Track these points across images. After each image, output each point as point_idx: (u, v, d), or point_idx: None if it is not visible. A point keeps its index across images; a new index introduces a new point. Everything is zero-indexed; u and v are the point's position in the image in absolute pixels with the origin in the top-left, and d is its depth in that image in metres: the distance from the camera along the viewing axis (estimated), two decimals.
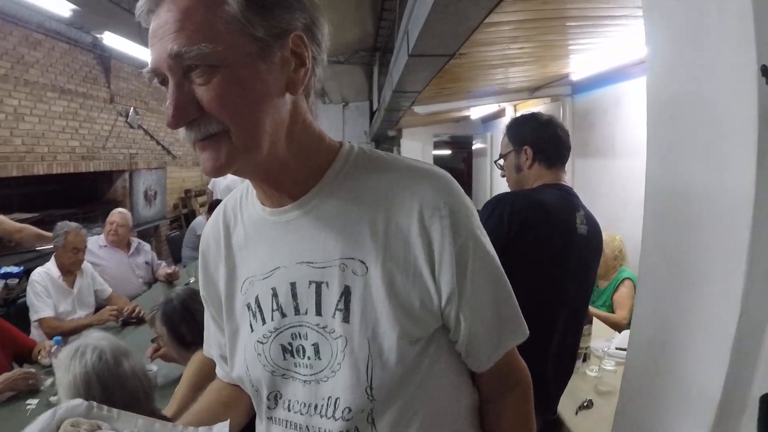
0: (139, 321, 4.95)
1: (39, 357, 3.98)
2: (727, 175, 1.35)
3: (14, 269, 5.10)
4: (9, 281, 5.02)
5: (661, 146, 1.66)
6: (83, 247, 5.08)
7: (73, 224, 5.07)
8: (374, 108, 16.00)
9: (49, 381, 3.44)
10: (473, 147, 13.91)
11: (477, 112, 10.37)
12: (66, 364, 1.97)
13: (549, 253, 2.53)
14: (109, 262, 6.11)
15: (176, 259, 8.80)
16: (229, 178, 9.73)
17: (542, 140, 2.76)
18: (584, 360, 3.69)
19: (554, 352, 2.64)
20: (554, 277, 2.58)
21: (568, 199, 2.71)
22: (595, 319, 4.35)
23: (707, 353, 1.43)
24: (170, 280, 6.42)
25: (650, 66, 1.68)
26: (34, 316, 4.76)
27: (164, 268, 6.63)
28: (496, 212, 2.49)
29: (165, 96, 1.11)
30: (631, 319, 2.07)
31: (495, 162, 3.02)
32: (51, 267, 5.05)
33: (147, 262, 6.59)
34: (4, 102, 7.95)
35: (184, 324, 2.99)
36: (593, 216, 2.76)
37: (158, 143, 13.05)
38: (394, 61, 6.16)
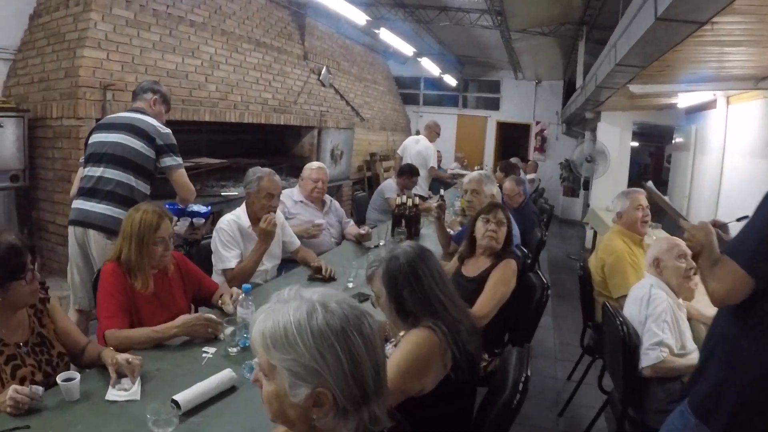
0: (328, 279, 4.64)
1: (221, 303, 3.67)
2: None
3: (202, 208, 4.94)
4: (195, 220, 4.88)
5: None
6: (277, 192, 4.72)
7: (266, 169, 4.73)
8: (567, 88, 15.56)
9: (229, 330, 3.11)
10: (674, 140, 12.74)
11: (685, 100, 9.35)
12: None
13: None
14: (303, 217, 5.86)
15: (359, 220, 8.55)
16: (422, 143, 10.67)
17: None
18: None
19: None
20: None
21: None
22: None
23: None
24: (360, 241, 6.10)
25: None
26: (218, 265, 4.49)
27: (354, 227, 6.33)
28: None
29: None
30: None
31: None
32: (241, 214, 4.74)
33: (339, 221, 6.33)
34: (201, 49, 8.01)
35: (408, 288, 2.58)
36: None
37: (348, 104, 12.95)
38: (623, 30, 5.53)
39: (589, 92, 8.70)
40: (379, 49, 15.82)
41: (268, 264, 4.84)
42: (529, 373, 2.48)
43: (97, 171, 4.47)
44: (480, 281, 3.94)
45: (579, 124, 15.02)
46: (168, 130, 4.66)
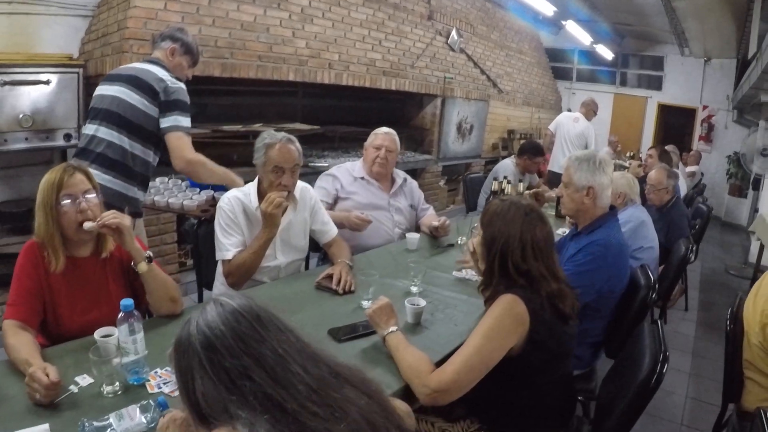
0: (342, 291, 3.37)
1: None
2: None
3: None
4: (217, 194, 4.16)
5: None
6: (289, 165, 3.52)
7: (282, 134, 3.58)
8: (741, 68, 13.43)
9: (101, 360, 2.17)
10: None
11: None
12: None
13: None
14: (360, 198, 4.66)
15: (470, 207, 7.17)
16: (582, 122, 9.77)
17: None
18: None
19: None
20: None
21: None
22: None
23: None
24: (434, 235, 4.76)
25: None
26: (218, 255, 3.58)
27: (431, 216, 4.97)
28: None
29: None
30: None
31: None
32: (250, 191, 3.66)
33: (412, 206, 4.99)
34: (290, 0, 7.00)
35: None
36: None
37: (483, 72, 11.79)
38: None
39: (767, 58, 6.90)
40: (528, 16, 14.32)
41: (284, 258, 3.78)
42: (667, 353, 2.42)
43: (91, 129, 3.87)
44: None
45: (753, 110, 12.98)
46: (179, 85, 3.93)
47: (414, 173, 9.44)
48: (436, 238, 4.72)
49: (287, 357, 1.45)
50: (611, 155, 12.58)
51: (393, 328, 2.61)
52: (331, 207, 4.59)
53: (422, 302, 2.97)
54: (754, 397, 3.10)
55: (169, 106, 3.83)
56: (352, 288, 3.39)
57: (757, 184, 11.30)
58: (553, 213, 5.89)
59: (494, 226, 2.57)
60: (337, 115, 8.69)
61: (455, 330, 2.94)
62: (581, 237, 3.62)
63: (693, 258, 5.57)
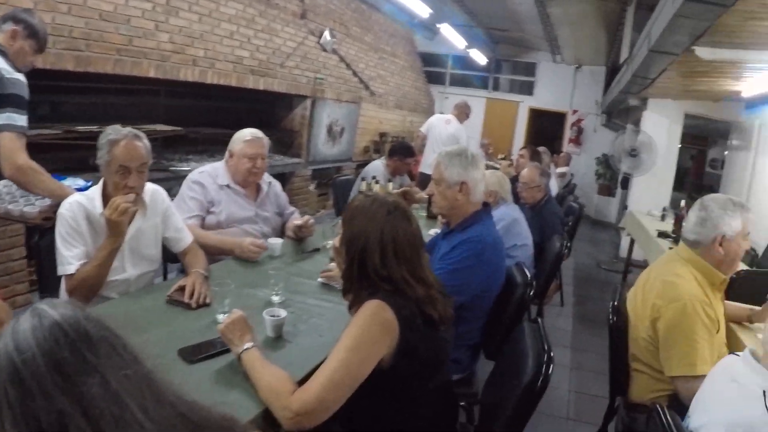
0: (195, 305, 3.00)
1: None
2: None
3: (81, 182, 4.05)
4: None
5: None
6: (135, 165, 3.09)
7: (127, 130, 3.13)
8: (610, 75, 13.94)
9: None
10: (730, 141, 11.50)
11: (752, 89, 7.84)
12: None
13: None
14: (225, 210, 4.20)
15: (339, 211, 6.94)
16: (454, 124, 9.95)
17: None
18: None
19: None
20: None
21: None
22: None
23: None
24: (299, 236, 4.43)
25: None
26: (59, 269, 3.08)
27: (294, 220, 4.57)
28: None
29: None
30: None
31: None
32: (94, 195, 3.20)
33: (278, 213, 4.63)
34: None
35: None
36: None
37: (355, 74, 11.58)
38: None
39: (637, 64, 6.96)
40: (404, 20, 14.31)
41: (134, 270, 3.35)
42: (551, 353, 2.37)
43: None
44: None
45: (621, 115, 13.62)
46: (17, 77, 3.41)
47: (282, 177, 9.14)
48: (300, 242, 4.40)
49: (122, 395, 1.05)
50: (483, 158, 12.70)
51: (248, 345, 2.34)
52: (202, 222, 4.10)
53: (283, 313, 2.73)
54: (641, 389, 3.18)
55: (2, 100, 3.32)
56: (207, 300, 3.01)
57: (626, 184, 11.65)
58: (425, 214, 5.82)
59: (355, 223, 2.39)
60: (202, 116, 8.23)
61: (320, 341, 2.69)
62: (454, 235, 3.42)
63: (567, 254, 5.57)
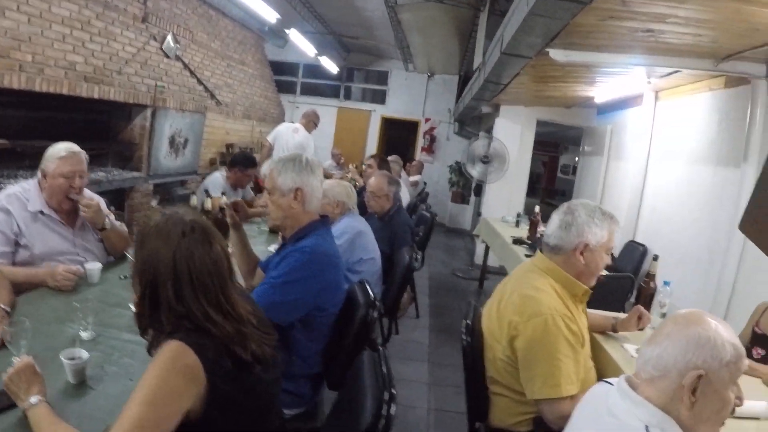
0: None
1: None
2: None
3: None
4: None
5: None
6: None
7: None
8: (463, 84, 14.08)
9: None
10: (582, 146, 11.73)
11: (605, 92, 8.08)
12: None
13: None
14: (39, 244, 3.55)
15: None
16: (302, 133, 9.72)
17: None
18: None
19: None
20: None
21: None
22: None
23: None
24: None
25: None
26: None
27: None
28: None
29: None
30: None
31: None
32: None
33: (100, 239, 3.97)
34: None
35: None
36: None
37: (200, 83, 11.05)
38: None
39: (489, 68, 6.89)
40: (254, 27, 14.03)
41: None
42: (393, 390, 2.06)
43: None
44: None
45: (473, 122, 14.04)
46: None
47: (121, 193, 8.60)
48: (121, 261, 3.93)
49: None
50: (335, 168, 12.90)
51: (35, 400, 1.94)
52: (13, 260, 3.44)
53: (84, 354, 2.31)
54: (502, 413, 2.93)
55: None
56: (9, 339, 2.40)
57: (479, 191, 11.87)
58: (267, 228, 5.62)
59: (145, 249, 2.00)
60: (32, 128, 7.43)
61: (130, 387, 2.08)
62: (287, 247, 3.11)
63: (419, 265, 5.41)
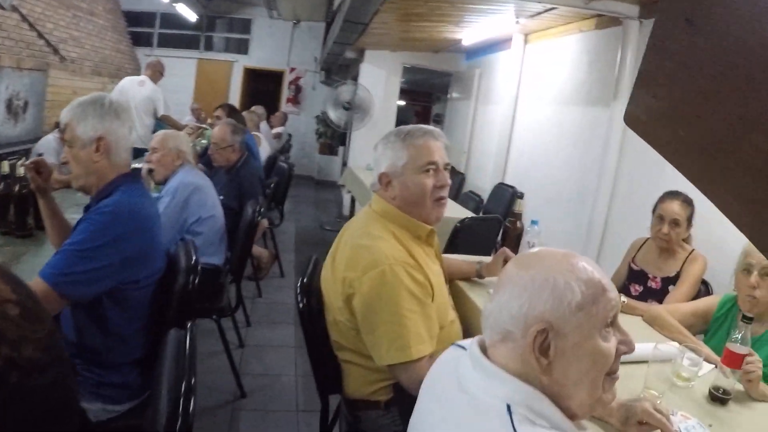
0: None
1: None
2: None
3: None
4: None
5: None
6: None
7: None
8: (330, 31, 13.63)
9: None
10: (451, 92, 11.77)
11: (473, 35, 7.99)
12: None
13: None
14: None
15: None
16: (148, 86, 8.96)
17: None
18: None
19: None
20: None
21: None
22: None
23: None
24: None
25: None
26: None
27: None
28: None
29: None
30: None
31: None
32: None
33: None
34: None
35: None
36: None
37: (41, 36, 10.17)
38: None
39: (347, 6, 6.60)
40: None
41: None
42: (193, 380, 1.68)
43: None
44: None
45: (340, 71, 13.87)
46: None
47: None
48: None
49: None
50: (195, 123, 12.05)
51: None
52: None
53: None
54: (356, 382, 2.59)
55: None
56: None
57: (343, 140, 11.69)
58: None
59: None
60: None
61: None
62: (90, 209, 2.57)
63: (279, 220, 4.98)
